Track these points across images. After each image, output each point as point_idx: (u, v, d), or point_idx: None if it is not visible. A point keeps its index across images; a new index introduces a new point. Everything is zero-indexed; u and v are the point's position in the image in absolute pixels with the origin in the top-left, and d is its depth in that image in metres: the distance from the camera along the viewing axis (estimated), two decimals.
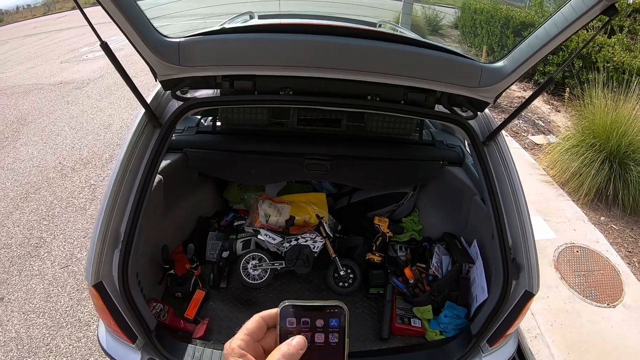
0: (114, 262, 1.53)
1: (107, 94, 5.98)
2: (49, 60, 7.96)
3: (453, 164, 2.29)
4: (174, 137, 2.22)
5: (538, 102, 5.64)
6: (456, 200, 2.26)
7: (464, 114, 1.77)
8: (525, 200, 1.65)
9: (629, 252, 3.20)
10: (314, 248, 2.29)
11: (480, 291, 1.95)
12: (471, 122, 1.76)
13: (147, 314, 1.64)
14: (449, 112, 1.73)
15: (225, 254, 2.29)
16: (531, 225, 1.60)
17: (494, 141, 1.78)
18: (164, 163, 2.09)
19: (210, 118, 2.37)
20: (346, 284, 2.26)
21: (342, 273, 2.26)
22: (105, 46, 1.32)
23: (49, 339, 2.57)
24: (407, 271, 2.20)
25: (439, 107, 1.77)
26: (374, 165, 2.31)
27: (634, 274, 3.02)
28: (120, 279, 1.52)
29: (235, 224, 2.49)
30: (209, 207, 2.67)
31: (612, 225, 3.46)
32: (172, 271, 2.19)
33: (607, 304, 2.83)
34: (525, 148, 4.52)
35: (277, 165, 2.33)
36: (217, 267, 2.24)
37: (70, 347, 2.51)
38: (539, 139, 4.70)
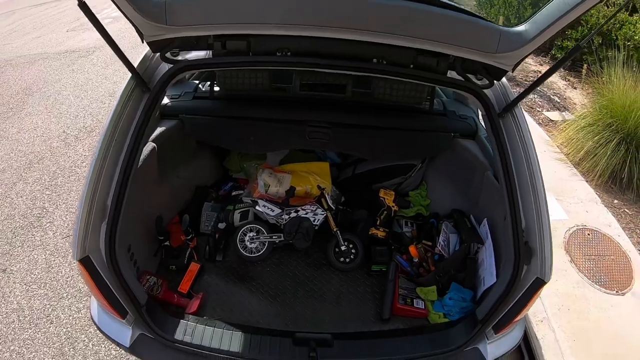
0: (101, 236, 1.44)
1: (112, 61, 5.71)
2: (55, 29, 7.63)
3: (465, 137, 2.15)
4: (169, 103, 2.11)
5: (554, 78, 5.36)
6: (467, 175, 2.13)
7: (478, 82, 1.61)
8: (542, 181, 1.52)
9: None
10: (314, 221, 2.17)
11: (488, 274, 1.84)
12: (486, 91, 1.62)
13: (138, 289, 1.56)
14: (462, 79, 1.58)
15: (221, 226, 2.17)
16: (547, 208, 1.48)
17: (510, 113, 1.63)
18: (158, 130, 1.98)
19: (209, 83, 2.21)
20: (347, 260, 2.16)
21: (343, 248, 2.15)
22: (83, 5, 1.21)
23: (50, 309, 2.53)
24: (412, 249, 2.08)
25: (451, 74, 1.61)
26: (380, 134, 2.16)
27: None
28: (107, 252, 1.44)
29: (233, 193, 2.36)
30: (207, 176, 2.53)
31: (626, 209, 3.33)
32: (167, 243, 2.08)
33: (616, 292, 2.73)
34: (539, 124, 4.31)
35: (277, 133, 2.18)
36: (213, 239, 2.13)
37: (71, 317, 2.47)
38: (554, 115, 4.47)
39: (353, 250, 2.17)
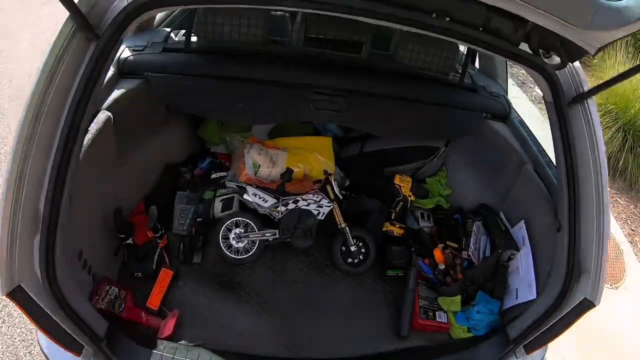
0: (35, 255, 1.03)
1: None
2: None
3: (495, 118, 1.83)
4: (131, 57, 1.60)
5: None
6: (495, 165, 1.84)
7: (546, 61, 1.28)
8: (607, 189, 1.30)
9: (632, 230, 3.03)
10: (318, 215, 1.75)
11: (525, 288, 1.57)
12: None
13: (93, 318, 1.21)
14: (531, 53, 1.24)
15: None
16: (609, 223, 1.29)
17: (581, 105, 1.32)
18: (115, 94, 1.46)
19: (184, 31, 1.73)
20: (356, 261, 1.79)
21: (352, 249, 1.77)
22: None
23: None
24: (438, 253, 1.75)
25: None
26: (401, 107, 1.77)
27: (636, 254, 2.86)
28: (45, 276, 1.03)
29: (213, 176, 1.85)
30: (179, 150, 2.01)
31: (617, 198, 3.26)
32: (130, 240, 1.61)
33: (610, 285, 2.67)
34: (532, 101, 4.11)
35: (274, 99, 1.71)
36: (189, 236, 1.66)
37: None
38: None
39: (363, 250, 1.80)
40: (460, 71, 1.85)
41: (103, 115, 1.36)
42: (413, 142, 1.99)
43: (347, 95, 1.66)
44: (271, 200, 1.73)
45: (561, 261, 1.31)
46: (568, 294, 1.30)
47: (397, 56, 1.71)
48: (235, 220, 1.72)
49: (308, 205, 1.74)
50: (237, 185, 1.75)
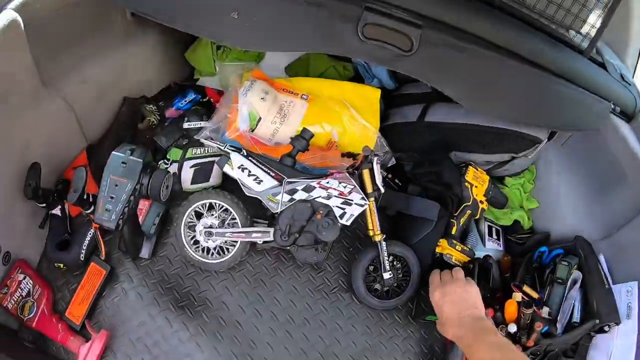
0: None
1: None
2: None
3: (620, 114, 1.20)
4: None
5: None
6: (606, 180, 1.23)
7: None
8: None
9: None
10: (342, 216, 1.10)
11: None
12: None
13: None
14: None
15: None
16: None
17: None
18: None
19: None
20: (387, 290, 1.18)
21: (387, 275, 1.14)
22: None
23: None
24: (511, 308, 1.10)
25: None
26: (509, 68, 1.03)
27: None
28: None
29: (186, 124, 1.19)
30: (148, 78, 1.37)
31: None
32: (56, 209, 1.11)
33: None
34: None
35: (298, 14, 0.96)
36: (133, 215, 1.07)
37: None
38: None
39: (400, 275, 1.18)
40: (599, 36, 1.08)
41: (5, 17, 0.85)
42: (509, 124, 1.24)
43: (423, 25, 0.92)
44: (269, 182, 1.08)
45: None
46: None
47: None
48: (208, 200, 1.11)
49: (328, 197, 1.09)
50: (218, 148, 1.10)
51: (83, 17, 1.06)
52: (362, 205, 1.10)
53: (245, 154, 1.09)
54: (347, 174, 1.11)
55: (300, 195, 1.09)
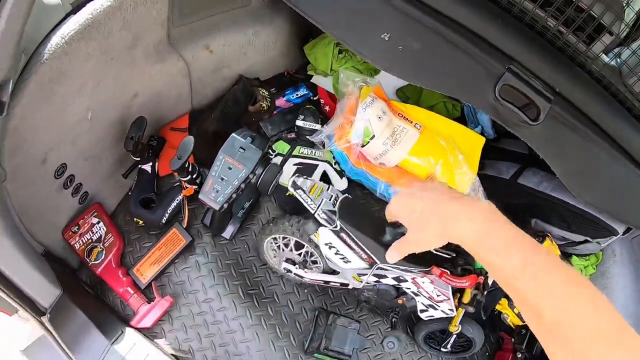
0: None
1: None
2: None
3: None
4: None
5: None
6: None
7: None
8: None
9: None
10: (422, 312, 1.07)
11: None
12: None
13: (38, 278, 0.87)
14: None
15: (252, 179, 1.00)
16: None
17: None
18: None
19: None
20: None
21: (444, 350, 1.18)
22: None
23: None
24: None
25: None
26: (613, 159, 1.03)
27: None
28: None
29: (301, 122, 1.19)
30: (265, 63, 1.36)
31: None
32: (147, 165, 1.09)
33: None
34: None
35: (445, 55, 0.96)
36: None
37: None
38: None
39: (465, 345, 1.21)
40: None
41: None
42: (596, 210, 1.25)
43: (552, 100, 0.92)
44: (358, 263, 0.97)
45: None
46: None
47: None
48: (295, 240, 1.08)
49: (416, 294, 1.03)
50: (319, 158, 1.11)
51: None
52: (447, 314, 1.05)
53: (338, 227, 0.91)
54: (447, 278, 0.92)
55: (388, 281, 1.02)
